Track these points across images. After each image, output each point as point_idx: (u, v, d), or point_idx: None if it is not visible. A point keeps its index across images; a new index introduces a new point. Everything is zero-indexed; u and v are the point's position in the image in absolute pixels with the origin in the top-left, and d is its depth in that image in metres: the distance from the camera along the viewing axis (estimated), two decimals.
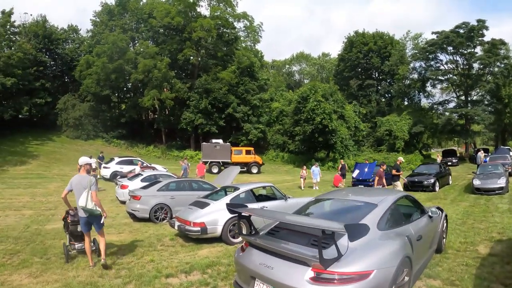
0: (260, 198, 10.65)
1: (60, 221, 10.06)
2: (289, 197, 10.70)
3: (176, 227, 9.21)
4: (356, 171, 23.99)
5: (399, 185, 15.58)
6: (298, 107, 42.03)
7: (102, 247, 6.92)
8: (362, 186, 20.63)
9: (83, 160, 7.05)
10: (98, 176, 21.70)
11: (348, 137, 43.13)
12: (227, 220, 8.79)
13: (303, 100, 41.22)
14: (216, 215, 8.84)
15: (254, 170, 34.02)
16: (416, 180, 20.15)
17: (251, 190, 10.34)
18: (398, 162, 15.82)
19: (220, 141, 35.31)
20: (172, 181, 13.44)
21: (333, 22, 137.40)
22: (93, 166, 20.09)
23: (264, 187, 11.16)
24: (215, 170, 32.35)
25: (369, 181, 21.28)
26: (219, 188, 11.60)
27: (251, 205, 8.29)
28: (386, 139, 46.58)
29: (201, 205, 9.41)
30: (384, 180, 15.47)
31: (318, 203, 6.44)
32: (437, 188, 19.60)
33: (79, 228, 7.21)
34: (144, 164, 24.05)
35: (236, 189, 10.12)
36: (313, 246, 4.25)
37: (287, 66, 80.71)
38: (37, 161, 30.21)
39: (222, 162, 33.10)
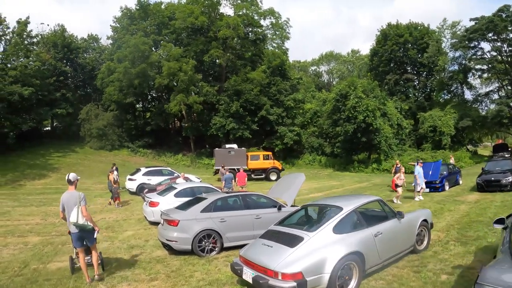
0: (367, 218, 7.23)
1: (68, 256, 8.40)
2: (399, 213, 7.60)
3: (248, 278, 6.06)
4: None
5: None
6: (336, 106, 38.93)
7: (94, 261, 7.15)
8: (428, 189, 18.16)
9: (74, 176, 7.04)
10: (121, 188, 18.56)
11: (392, 136, 39.69)
12: (337, 263, 5.76)
13: (342, 97, 38.16)
14: (318, 255, 5.80)
15: (273, 177, 30.94)
16: (493, 179, 17.63)
17: (357, 209, 7.02)
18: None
19: (235, 146, 32.67)
20: (220, 197, 9.98)
21: (358, 21, 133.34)
22: (115, 178, 17.35)
23: (370, 202, 7.66)
24: (221, 177, 29.33)
25: (436, 183, 18.94)
26: (298, 207, 8.28)
27: (363, 232, 6.56)
28: (430, 136, 42.95)
29: (286, 239, 6.31)
30: None
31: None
32: None
33: (85, 242, 7.09)
34: (175, 175, 20.79)
35: (330, 208, 7.05)
36: None
37: (314, 67, 77.79)
38: (57, 174, 28.06)
39: (237, 169, 29.82)
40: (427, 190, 18.13)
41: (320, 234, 6.17)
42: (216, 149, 31.99)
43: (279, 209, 9.92)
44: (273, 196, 10.83)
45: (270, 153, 33.87)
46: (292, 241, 6.10)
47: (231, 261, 7.02)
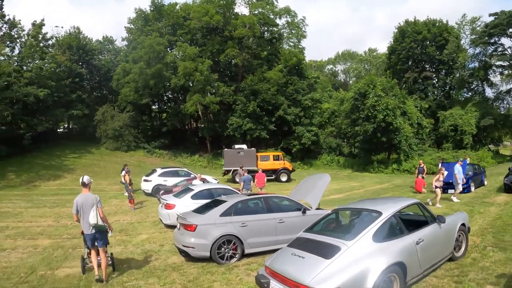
0: (406, 224, 6.51)
1: (78, 261, 8.29)
2: (440, 218, 6.89)
3: None
4: (444, 173, 20.11)
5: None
6: (355, 105, 37.89)
7: (103, 265, 7.14)
8: (453, 190, 17.08)
9: (88, 178, 7.20)
10: (132, 190, 18.02)
11: (412, 135, 38.56)
12: (379, 276, 5.08)
13: (360, 96, 37.12)
14: (358, 268, 5.13)
15: (284, 178, 29.94)
16: None
17: (397, 213, 6.31)
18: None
19: (244, 146, 31.67)
20: (240, 199, 9.32)
21: (374, 19, 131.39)
22: (124, 179, 16.86)
23: (409, 205, 6.91)
24: (238, 179, 28.63)
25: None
26: (329, 212, 7.49)
27: (404, 240, 5.92)
28: (451, 135, 41.80)
29: (320, 249, 5.63)
30: None
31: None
32: None
33: (96, 243, 7.24)
34: (192, 176, 20.15)
35: (367, 213, 6.35)
36: None
37: (330, 66, 76.80)
38: (73, 175, 27.77)
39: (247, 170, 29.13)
40: (452, 191, 17.19)
41: (359, 243, 5.47)
42: (225, 149, 31.26)
43: (304, 212, 9.24)
44: (295, 198, 10.10)
45: (280, 153, 33.09)
46: (327, 251, 5.41)
47: (252, 269, 6.35)
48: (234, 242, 8.28)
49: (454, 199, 15.38)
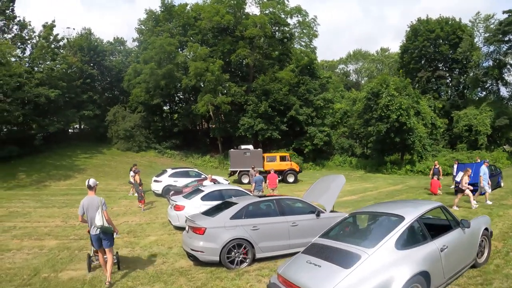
0: (429, 229, 6.10)
1: (83, 263, 8.34)
2: (464, 222, 6.45)
3: None
4: (460, 174, 19.49)
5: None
6: (368, 105, 37.42)
7: (109, 266, 7.22)
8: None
9: (94, 181, 7.43)
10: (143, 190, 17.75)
11: (426, 136, 37.91)
12: (404, 284, 4.75)
13: (373, 96, 36.62)
14: (380, 278, 4.76)
15: (290, 179, 29.49)
16: None
17: (421, 217, 5.92)
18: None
19: (251, 147, 31.40)
20: (251, 201, 8.94)
21: (386, 19, 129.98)
22: (132, 179, 16.63)
23: (432, 209, 6.48)
24: (245, 180, 28.48)
25: (478, 185, 17.11)
26: (346, 215, 7.11)
27: (428, 247, 5.51)
28: (465, 135, 41.04)
29: (338, 257, 5.24)
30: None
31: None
32: None
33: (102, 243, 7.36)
34: (202, 176, 19.85)
35: (388, 218, 5.94)
36: None
37: (341, 65, 76.18)
38: (83, 175, 27.65)
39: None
40: None
41: (380, 250, 5.04)
42: (232, 150, 31.00)
43: (318, 215, 8.86)
44: (309, 200, 9.67)
45: (287, 154, 32.75)
46: (346, 259, 5.01)
47: (264, 275, 5.96)
48: (245, 246, 7.93)
49: (473, 203, 14.35)
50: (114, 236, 7.42)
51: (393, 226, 5.46)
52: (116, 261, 7.80)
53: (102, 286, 7.02)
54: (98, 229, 7.04)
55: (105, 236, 7.18)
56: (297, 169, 30.42)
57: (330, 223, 8.48)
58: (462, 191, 14.22)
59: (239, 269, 7.62)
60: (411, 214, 5.66)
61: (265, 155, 30.82)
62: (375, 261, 4.86)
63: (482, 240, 6.99)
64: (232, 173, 29.14)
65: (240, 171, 28.83)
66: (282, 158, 30.44)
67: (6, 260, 8.74)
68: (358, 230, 6.48)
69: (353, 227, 6.58)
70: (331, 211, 9.32)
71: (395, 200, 10.54)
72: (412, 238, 5.49)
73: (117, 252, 8.05)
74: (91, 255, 7.90)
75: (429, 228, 5.94)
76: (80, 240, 10.56)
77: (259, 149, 31.27)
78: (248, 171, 28.30)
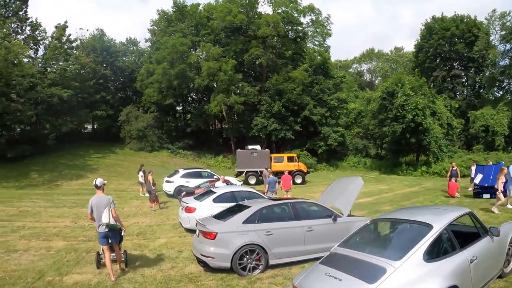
0: (458, 237, 5.59)
1: (90, 266, 8.30)
2: (493, 229, 5.98)
3: None
4: (479, 176, 18.81)
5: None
6: (383, 105, 36.83)
7: (118, 260, 7.77)
8: (488, 195, 16.51)
9: (101, 181, 7.66)
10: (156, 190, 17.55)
11: (442, 136, 37.16)
12: None
13: (388, 95, 36.04)
14: None
15: (298, 180, 28.88)
16: None
17: (449, 225, 5.43)
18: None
19: (258, 147, 30.92)
20: (265, 205, 8.52)
21: (400, 18, 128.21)
22: (147, 180, 16.47)
23: (461, 216, 6.00)
24: (252, 181, 28.23)
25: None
26: (367, 222, 6.60)
27: (457, 258, 5.00)
28: (481, 136, 40.16)
29: (360, 270, 4.76)
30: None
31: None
32: None
33: (109, 240, 7.54)
34: (215, 177, 19.52)
35: (414, 225, 5.48)
36: None
37: (355, 65, 75.58)
38: (96, 175, 27.45)
39: (260, 171, 28.20)
40: (488, 196, 16.37)
41: (408, 263, 4.54)
42: (238, 150, 30.69)
43: (335, 219, 8.44)
44: (324, 203, 9.22)
45: (295, 155, 32.21)
46: (369, 272, 4.54)
47: (277, 283, 5.61)
48: (258, 252, 7.55)
49: (495, 210, 13.37)
50: (122, 234, 7.67)
51: (421, 235, 4.97)
52: (124, 259, 8.06)
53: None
54: (105, 227, 7.23)
55: (112, 234, 7.42)
56: (305, 170, 30.04)
57: (348, 228, 8.07)
58: (504, 192, 13.49)
59: (252, 276, 7.25)
60: (439, 222, 5.19)
61: (273, 155, 30.53)
62: (402, 275, 4.39)
63: (509, 249, 6.49)
64: (239, 173, 28.80)
65: (247, 172, 28.47)
66: (290, 159, 30.05)
67: (12, 262, 8.56)
68: (382, 239, 6.01)
69: (376, 236, 6.10)
70: (349, 215, 8.88)
71: (419, 206, 9.99)
72: (441, 249, 5.05)
73: (125, 251, 8.31)
74: (100, 253, 8.05)
75: (456, 237, 5.47)
76: (88, 242, 10.32)
77: (266, 149, 31.01)
78: (256, 171, 27.99)
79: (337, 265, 4.99)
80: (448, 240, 5.21)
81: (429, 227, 5.07)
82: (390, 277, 4.35)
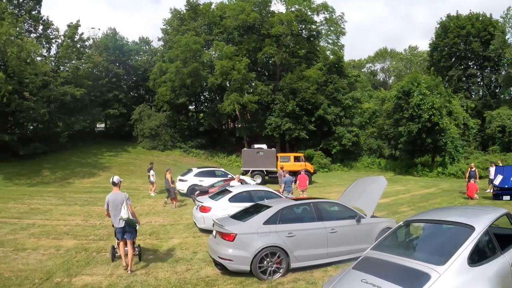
0: (498, 240, 5.12)
1: (100, 267, 8.10)
2: None
3: None
4: (499, 177, 18.49)
5: None
6: (398, 104, 36.09)
7: (129, 257, 7.72)
8: (508, 197, 16.55)
9: (118, 178, 8.13)
10: (175, 188, 17.25)
11: (458, 137, 36.37)
12: None
13: (404, 95, 35.30)
14: None
15: None
16: None
17: (490, 227, 4.98)
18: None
19: (264, 146, 30.37)
20: (286, 205, 8.08)
21: (413, 17, 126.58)
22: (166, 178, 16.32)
23: (500, 216, 5.51)
24: (258, 180, 27.52)
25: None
26: (400, 223, 6.07)
27: (499, 261, 4.58)
28: (498, 136, 39.34)
29: (401, 275, 4.34)
30: None
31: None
32: None
33: (125, 235, 7.88)
34: (229, 176, 19.15)
35: (454, 227, 5.08)
36: None
37: (368, 64, 74.82)
38: (107, 173, 27.37)
39: (266, 171, 27.90)
40: (508, 197, 16.33)
41: (452, 268, 4.15)
42: (244, 149, 30.20)
43: (359, 220, 8.00)
44: (344, 202, 8.77)
45: (301, 154, 31.71)
46: (413, 279, 4.12)
47: None
48: (279, 254, 7.14)
49: None
50: (137, 228, 8.04)
51: (463, 237, 4.56)
52: (137, 253, 8.34)
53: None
54: (124, 222, 7.56)
55: (129, 228, 7.76)
56: (312, 170, 29.45)
57: (372, 229, 7.66)
58: None
59: (272, 281, 6.87)
60: (481, 223, 4.76)
61: (279, 155, 30.05)
62: (447, 281, 3.98)
63: None
64: (244, 172, 28.26)
65: (253, 171, 27.97)
66: (296, 159, 29.48)
67: (20, 261, 8.26)
68: (418, 242, 5.55)
69: (411, 238, 5.65)
70: (372, 216, 8.39)
71: (450, 206, 9.44)
72: (484, 252, 4.62)
73: (139, 245, 8.55)
74: (116, 246, 8.38)
75: (498, 239, 4.98)
76: (99, 241, 10.00)
77: (273, 149, 30.44)
78: (261, 170, 27.44)
79: (374, 270, 4.55)
80: (489, 243, 4.78)
81: (471, 228, 4.65)
82: (435, 284, 3.95)
